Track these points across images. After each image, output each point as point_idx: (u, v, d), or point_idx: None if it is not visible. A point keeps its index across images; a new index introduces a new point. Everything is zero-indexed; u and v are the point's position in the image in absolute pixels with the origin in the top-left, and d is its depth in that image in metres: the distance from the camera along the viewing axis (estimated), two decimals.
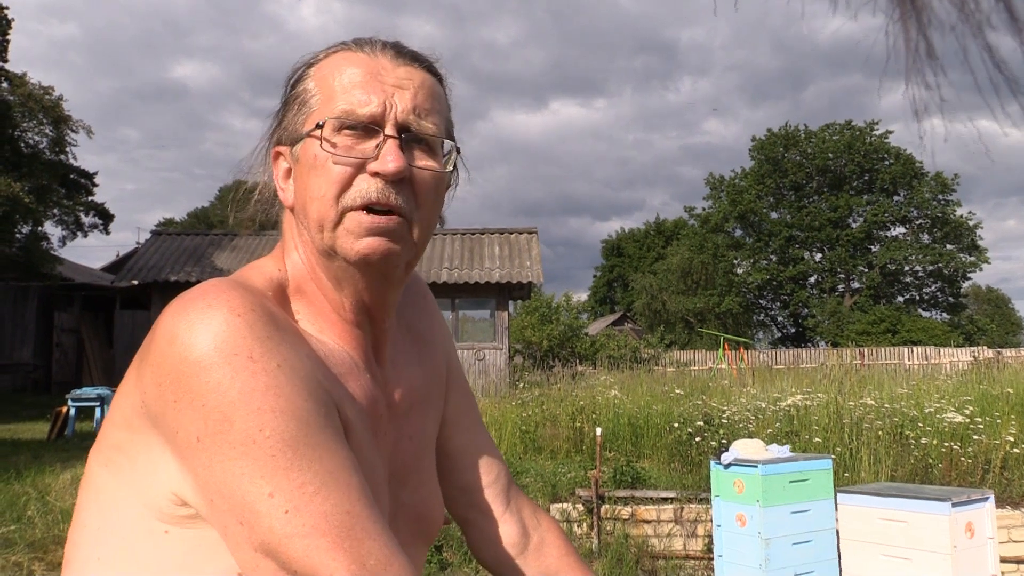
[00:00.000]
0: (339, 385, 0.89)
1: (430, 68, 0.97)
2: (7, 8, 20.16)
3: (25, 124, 19.61)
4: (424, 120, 0.93)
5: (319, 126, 0.90)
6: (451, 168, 0.98)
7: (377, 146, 0.90)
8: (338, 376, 0.90)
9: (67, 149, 20.95)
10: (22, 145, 19.64)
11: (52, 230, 21.76)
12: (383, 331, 1.00)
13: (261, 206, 1.02)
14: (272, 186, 1.00)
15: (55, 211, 21.51)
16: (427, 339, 1.14)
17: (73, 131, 20.65)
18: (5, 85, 18.96)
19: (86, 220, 23.10)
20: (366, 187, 0.89)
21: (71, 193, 22.51)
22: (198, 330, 0.77)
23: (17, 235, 18.87)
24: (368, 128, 0.90)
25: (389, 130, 0.90)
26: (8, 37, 20.29)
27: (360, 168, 0.89)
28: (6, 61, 20.29)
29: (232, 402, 0.74)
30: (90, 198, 23.37)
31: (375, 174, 0.89)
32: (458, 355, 1.25)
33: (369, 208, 0.89)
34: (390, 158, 0.88)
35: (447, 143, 0.97)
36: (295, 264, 0.96)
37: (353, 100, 0.90)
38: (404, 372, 1.05)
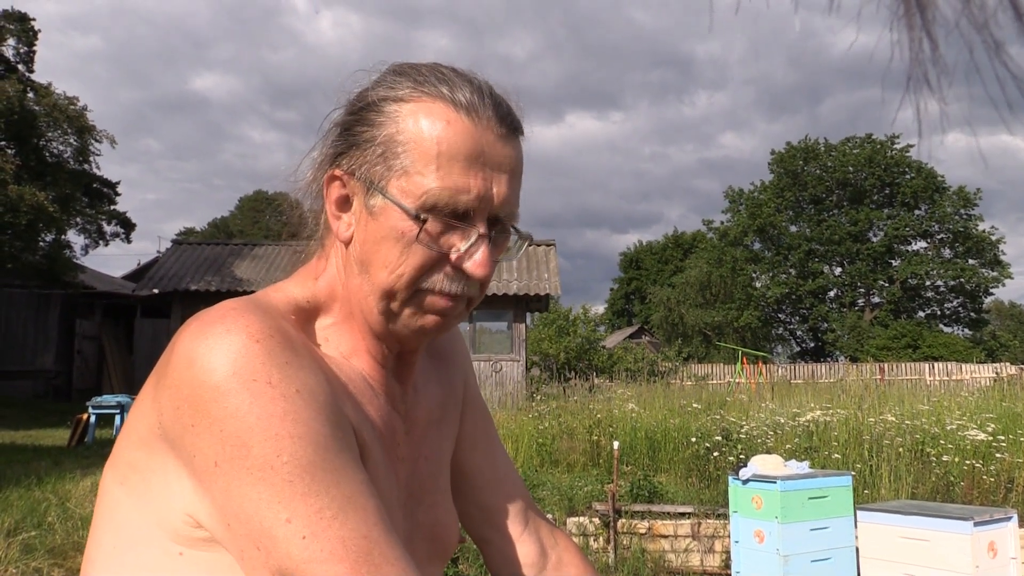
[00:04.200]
0: (357, 408, 0.89)
1: (521, 132, 0.95)
2: (33, 20, 20.49)
3: (50, 134, 19.84)
4: (513, 210, 0.92)
5: (420, 219, 0.86)
6: (517, 257, 0.99)
7: (466, 241, 0.88)
8: (357, 399, 0.90)
9: (91, 159, 21.18)
10: (47, 154, 19.87)
11: (75, 238, 22.00)
12: (411, 357, 1.00)
13: (293, 218, 1.01)
14: (309, 203, 0.98)
15: (78, 220, 21.74)
16: (445, 356, 1.14)
17: (97, 141, 20.87)
18: (31, 95, 19.21)
19: (108, 229, 23.38)
20: (447, 282, 0.89)
21: (94, 202, 22.77)
22: (217, 355, 0.76)
23: (41, 243, 19.08)
24: (462, 216, 0.88)
25: (482, 228, 0.89)
26: (34, 48, 20.63)
27: (444, 256, 0.88)
28: (32, 71, 20.61)
29: (250, 428, 0.74)
30: (112, 207, 23.64)
31: (460, 270, 0.89)
32: (475, 372, 1.24)
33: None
34: (481, 263, 0.88)
35: (514, 234, 0.96)
36: (331, 288, 0.94)
37: (451, 184, 0.86)
38: (423, 392, 1.05)
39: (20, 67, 20.29)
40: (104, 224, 23.16)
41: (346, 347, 0.94)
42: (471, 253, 0.88)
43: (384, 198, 0.87)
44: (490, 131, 0.89)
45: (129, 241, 24.53)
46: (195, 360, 0.77)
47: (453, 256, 0.88)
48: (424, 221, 0.86)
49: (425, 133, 0.87)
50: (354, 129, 0.91)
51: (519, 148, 0.93)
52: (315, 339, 0.92)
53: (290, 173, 0.98)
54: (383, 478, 0.90)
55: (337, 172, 0.92)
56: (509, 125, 0.91)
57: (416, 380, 1.04)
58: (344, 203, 0.92)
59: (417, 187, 0.86)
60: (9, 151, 18.20)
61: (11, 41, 20.08)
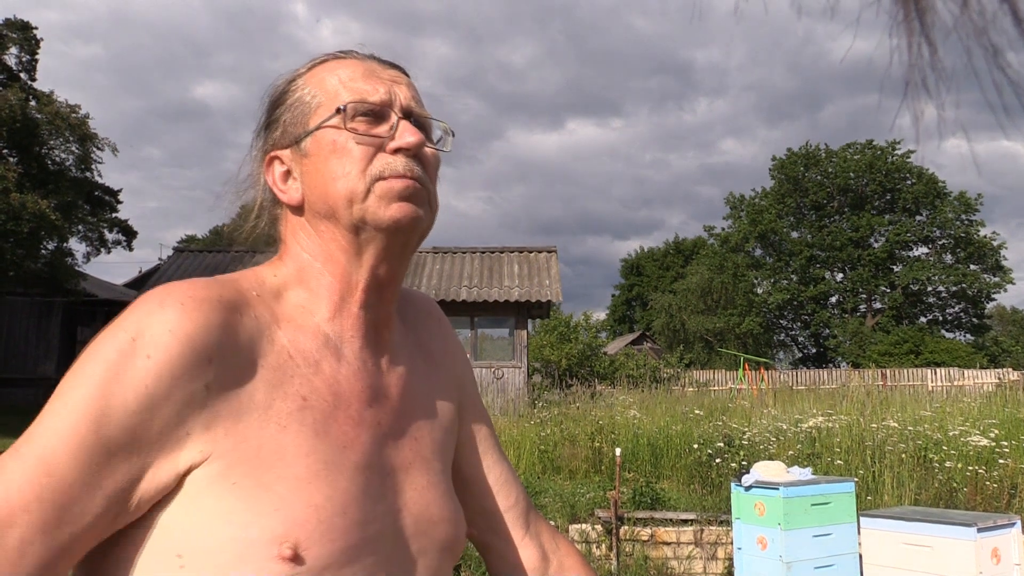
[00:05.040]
0: (304, 372, 0.91)
1: (407, 73, 1.06)
2: (35, 28, 20.56)
3: (52, 142, 19.90)
4: (421, 108, 1.02)
5: (340, 110, 0.95)
6: (449, 149, 1.05)
7: (391, 128, 0.97)
8: (305, 364, 0.92)
9: (92, 167, 21.23)
10: (49, 162, 19.92)
11: (77, 246, 22.04)
12: (388, 313, 1.03)
13: (258, 220, 1.06)
14: (260, 201, 1.04)
15: (80, 227, 21.78)
16: (438, 361, 1.14)
17: (99, 149, 20.93)
18: (33, 103, 19.27)
19: (110, 237, 23.40)
20: (391, 162, 0.95)
21: (96, 210, 22.82)
22: (126, 312, 0.85)
23: (43, 251, 19.10)
24: (378, 114, 0.97)
25: (399, 113, 0.98)
26: (36, 56, 20.69)
27: (378, 148, 0.96)
28: (34, 80, 20.67)
29: (82, 362, 0.81)
30: (114, 215, 23.69)
31: (396, 151, 0.96)
32: (476, 381, 1.24)
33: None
34: (409, 134, 0.96)
35: (438, 130, 1.04)
36: (298, 259, 0.99)
37: (360, 90, 0.97)
38: (408, 371, 1.05)
39: (22, 75, 20.35)
40: (106, 232, 23.19)
41: (324, 312, 0.97)
42: (398, 131, 0.97)
43: (310, 134, 0.97)
44: (374, 62, 1.03)
45: (131, 249, 24.61)
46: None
47: (386, 143, 0.96)
48: (345, 111, 0.95)
49: (326, 78, 1.00)
50: (272, 118, 1.02)
51: (408, 76, 1.05)
52: (285, 311, 0.95)
53: (233, 182, 1.07)
54: (318, 435, 0.89)
55: (274, 154, 1.01)
56: (389, 63, 1.04)
57: (399, 357, 1.05)
58: (287, 176, 1.01)
59: (331, 106, 0.97)
60: (11, 159, 18.26)
61: (13, 49, 20.16)
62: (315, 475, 0.86)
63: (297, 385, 0.90)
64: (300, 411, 0.89)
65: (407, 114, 0.99)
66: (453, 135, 1.05)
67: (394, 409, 1.00)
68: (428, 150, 0.99)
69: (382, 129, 0.97)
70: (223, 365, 0.85)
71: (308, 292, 0.97)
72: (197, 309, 0.84)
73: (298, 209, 0.99)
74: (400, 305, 1.11)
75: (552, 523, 7.32)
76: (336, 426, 0.91)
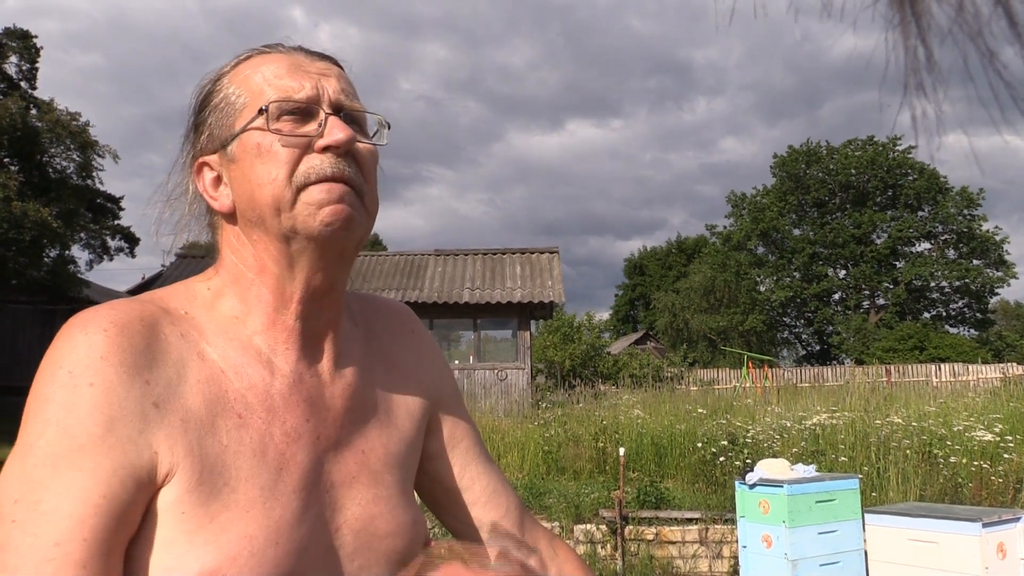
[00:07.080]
0: (235, 391, 0.89)
1: (339, 64, 1.01)
2: (35, 37, 20.61)
3: (53, 150, 19.94)
4: (356, 102, 0.97)
5: (262, 111, 0.91)
6: (385, 142, 1.00)
7: (319, 125, 0.92)
8: (235, 381, 0.90)
9: (94, 174, 21.26)
10: (50, 170, 19.96)
11: (79, 254, 22.10)
12: (330, 323, 0.98)
13: (193, 229, 1.03)
14: (193, 210, 1.01)
15: (82, 235, 21.81)
16: (406, 371, 1.11)
17: (100, 156, 20.96)
18: (34, 111, 19.31)
19: (112, 244, 23.40)
20: (319, 163, 0.90)
21: (98, 217, 22.83)
22: (57, 345, 0.83)
23: (45, 259, 19.13)
24: (305, 111, 0.92)
25: (327, 109, 0.93)
26: (36, 65, 20.74)
27: (306, 149, 0.91)
28: (35, 88, 20.72)
29: (33, 410, 0.80)
30: (116, 222, 23.69)
31: (324, 149, 0.91)
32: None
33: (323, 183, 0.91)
34: (338, 130, 0.91)
35: (373, 122, 1.00)
36: (232, 269, 0.96)
37: (285, 87, 0.92)
38: (358, 382, 1.02)
39: (23, 84, 20.41)
40: (108, 239, 23.19)
41: (257, 325, 0.94)
42: (326, 128, 0.91)
43: (235, 137, 0.93)
44: (301, 54, 0.98)
45: (133, 256, 24.60)
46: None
47: (314, 142, 0.91)
48: (268, 111, 0.91)
49: (250, 76, 0.95)
50: (198, 120, 0.98)
51: (338, 67, 1.00)
52: (217, 326, 0.93)
53: (163, 191, 1.02)
54: (256, 456, 0.88)
55: (202, 160, 0.97)
56: (318, 53, 0.99)
57: (347, 366, 1.01)
58: (218, 182, 0.96)
59: (256, 106, 0.92)
60: (12, 167, 18.29)
61: (13, 58, 20.22)
62: (252, 502, 0.85)
63: (231, 401, 0.88)
64: (238, 430, 0.87)
65: (337, 109, 0.94)
66: (389, 127, 1.00)
67: (336, 421, 0.97)
68: (362, 146, 0.95)
69: (310, 127, 0.92)
70: (160, 385, 0.83)
71: (241, 304, 0.94)
72: (120, 334, 0.82)
73: (231, 217, 0.96)
74: (366, 315, 1.10)
75: (556, 524, 7.32)
76: (272, 445, 0.89)
